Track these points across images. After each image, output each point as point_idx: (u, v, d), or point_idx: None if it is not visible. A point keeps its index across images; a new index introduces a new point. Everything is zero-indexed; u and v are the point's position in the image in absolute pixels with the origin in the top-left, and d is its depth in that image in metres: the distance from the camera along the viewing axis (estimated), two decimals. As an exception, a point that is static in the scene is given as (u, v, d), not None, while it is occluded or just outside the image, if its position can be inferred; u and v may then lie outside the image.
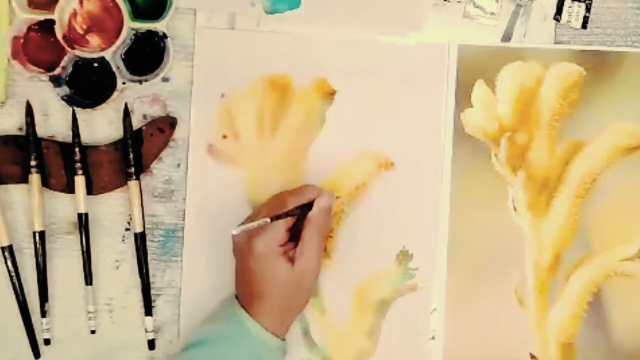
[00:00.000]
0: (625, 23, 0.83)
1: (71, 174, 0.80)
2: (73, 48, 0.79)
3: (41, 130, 0.81)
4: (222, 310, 0.77)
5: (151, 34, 0.80)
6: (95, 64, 0.80)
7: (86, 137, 0.81)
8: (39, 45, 0.80)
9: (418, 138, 0.82)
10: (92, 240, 0.81)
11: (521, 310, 0.82)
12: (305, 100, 0.82)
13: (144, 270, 0.80)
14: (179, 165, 0.82)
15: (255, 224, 0.72)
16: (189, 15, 0.82)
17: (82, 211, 0.80)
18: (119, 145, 0.81)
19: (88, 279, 0.80)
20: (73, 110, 0.80)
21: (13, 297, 0.80)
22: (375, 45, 0.82)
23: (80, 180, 0.80)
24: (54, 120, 0.81)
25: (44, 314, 0.80)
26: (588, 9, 0.82)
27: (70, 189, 0.80)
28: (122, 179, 0.81)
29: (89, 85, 0.81)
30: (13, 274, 0.79)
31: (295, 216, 0.75)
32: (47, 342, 0.81)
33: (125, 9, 0.79)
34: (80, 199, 0.80)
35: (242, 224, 0.74)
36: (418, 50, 0.82)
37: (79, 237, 0.80)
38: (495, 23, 0.83)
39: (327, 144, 0.82)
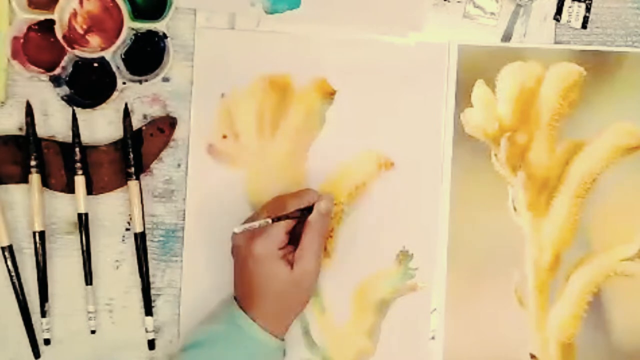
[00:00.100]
0: (625, 23, 0.83)
1: (71, 174, 0.80)
2: (73, 48, 0.79)
3: (41, 130, 0.81)
4: (220, 311, 0.77)
5: (151, 34, 0.80)
6: (95, 64, 0.80)
7: (86, 137, 0.81)
8: (39, 45, 0.80)
9: (418, 138, 0.82)
10: (92, 240, 0.81)
11: (521, 310, 0.82)
12: (305, 100, 0.82)
13: (144, 270, 0.80)
14: (179, 165, 0.82)
15: (256, 223, 0.72)
16: (189, 15, 0.82)
17: (82, 211, 0.80)
18: (119, 145, 0.81)
19: (88, 279, 0.80)
20: (73, 110, 0.80)
21: (13, 297, 0.80)
22: (375, 45, 0.82)
23: (80, 180, 0.80)
24: (54, 120, 0.81)
25: (44, 314, 0.80)
26: (588, 9, 0.82)
27: (70, 189, 0.80)
28: (122, 179, 0.81)
29: (89, 85, 0.81)
30: (13, 274, 0.79)
31: (295, 219, 0.75)
32: (47, 342, 0.81)
33: (125, 9, 0.79)
34: (80, 199, 0.80)
35: (244, 223, 0.74)
36: (418, 50, 0.82)
37: (79, 237, 0.80)
38: (495, 23, 0.83)
39: (327, 144, 0.82)
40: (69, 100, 0.80)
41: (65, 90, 0.80)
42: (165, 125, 0.81)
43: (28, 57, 0.80)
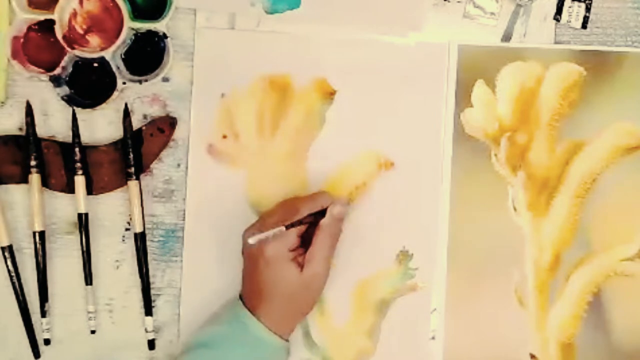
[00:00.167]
0: (625, 23, 0.83)
1: (71, 174, 0.80)
2: (73, 48, 0.79)
3: (41, 130, 0.81)
4: (225, 311, 0.77)
5: (151, 34, 0.80)
6: (95, 64, 0.80)
7: (86, 137, 0.81)
8: (39, 45, 0.80)
9: (418, 138, 0.82)
10: (92, 240, 0.81)
11: (521, 310, 0.82)
12: (305, 100, 0.82)
13: (144, 270, 0.80)
14: (179, 165, 0.82)
15: (271, 232, 0.73)
16: (189, 15, 0.82)
17: (82, 211, 0.80)
18: (119, 145, 0.81)
19: (88, 279, 0.80)
20: (73, 110, 0.80)
21: (13, 297, 0.80)
22: (375, 45, 0.82)
23: (80, 180, 0.80)
24: (54, 120, 0.81)
25: (44, 314, 0.80)
26: (588, 9, 0.82)
27: (70, 189, 0.80)
28: (122, 179, 0.81)
29: (89, 85, 0.81)
30: (13, 274, 0.79)
31: (308, 224, 0.76)
32: (47, 342, 0.81)
33: (125, 9, 0.79)
34: (80, 199, 0.80)
35: (252, 227, 0.75)
36: (418, 50, 0.82)
37: (79, 237, 0.80)
38: (495, 23, 0.83)
39: (327, 144, 0.82)
40: (69, 100, 0.80)
41: (65, 90, 0.80)
42: (165, 125, 0.81)
43: (28, 57, 0.80)
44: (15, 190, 0.81)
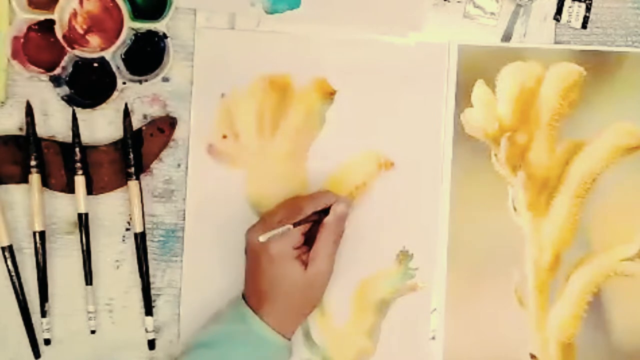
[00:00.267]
0: (625, 23, 0.83)
1: (71, 174, 0.80)
2: (73, 48, 0.79)
3: (41, 130, 0.81)
4: (228, 310, 0.77)
5: (151, 34, 0.80)
6: (95, 64, 0.80)
7: (86, 137, 0.81)
8: (39, 45, 0.80)
9: (418, 138, 0.82)
10: (92, 240, 0.81)
11: (521, 310, 0.82)
12: (305, 100, 0.82)
13: (144, 270, 0.80)
14: (179, 165, 0.82)
15: (279, 230, 0.73)
16: (189, 15, 0.82)
17: (82, 211, 0.80)
18: (119, 145, 0.81)
19: (88, 279, 0.80)
20: (73, 110, 0.80)
21: (13, 297, 0.80)
22: (375, 45, 0.82)
23: (80, 180, 0.80)
24: (54, 120, 0.81)
25: (44, 314, 0.80)
26: (588, 9, 0.82)
27: (70, 189, 0.80)
28: (122, 179, 0.81)
29: (89, 85, 0.81)
30: (13, 274, 0.79)
31: (312, 222, 0.76)
32: (47, 342, 0.81)
33: (125, 9, 0.79)
34: (80, 199, 0.80)
35: (255, 227, 0.76)
36: (418, 50, 0.82)
37: (79, 237, 0.80)
38: (495, 23, 0.83)
39: (327, 144, 0.82)
40: (69, 100, 0.80)
41: (65, 90, 0.80)
42: (165, 125, 0.81)
43: (28, 57, 0.80)
44: (15, 190, 0.81)
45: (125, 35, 0.80)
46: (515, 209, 0.82)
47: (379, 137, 0.82)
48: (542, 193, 0.82)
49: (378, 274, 0.82)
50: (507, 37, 0.83)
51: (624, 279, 0.82)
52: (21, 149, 0.80)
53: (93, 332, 0.81)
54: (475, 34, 0.83)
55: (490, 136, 0.82)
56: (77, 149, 0.79)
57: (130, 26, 0.80)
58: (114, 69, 0.80)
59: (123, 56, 0.81)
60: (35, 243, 0.79)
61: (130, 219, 0.81)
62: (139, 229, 0.80)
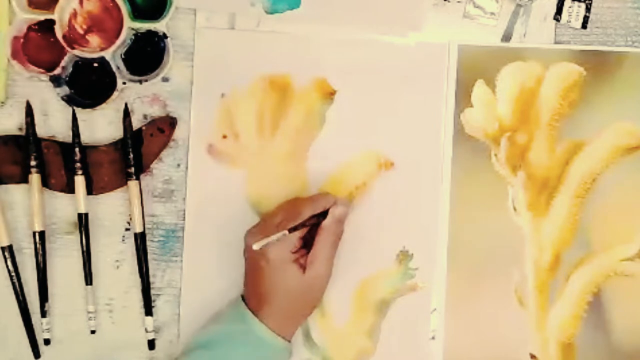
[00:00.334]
0: (625, 23, 0.83)
1: (71, 174, 0.80)
2: (73, 48, 0.79)
3: (41, 130, 0.81)
4: (228, 311, 0.77)
5: (151, 34, 0.80)
6: (95, 64, 0.80)
7: (86, 137, 0.81)
8: (39, 45, 0.80)
9: (418, 138, 0.82)
10: (92, 240, 0.81)
11: (521, 310, 0.82)
12: (305, 100, 0.82)
13: (144, 270, 0.80)
14: (179, 165, 0.82)
15: (275, 237, 0.73)
16: (189, 15, 0.82)
17: (82, 211, 0.80)
18: (119, 145, 0.81)
19: (88, 279, 0.80)
20: (73, 110, 0.80)
21: (13, 297, 0.80)
22: (375, 45, 0.82)
23: (80, 180, 0.80)
24: (54, 120, 0.81)
25: (44, 314, 0.80)
26: (588, 9, 0.82)
27: (70, 189, 0.80)
28: (122, 179, 0.81)
29: (89, 85, 0.81)
30: (13, 274, 0.79)
31: (310, 226, 0.76)
32: (47, 342, 0.81)
33: (125, 9, 0.79)
34: (80, 199, 0.80)
35: (254, 229, 0.75)
36: (418, 50, 0.82)
37: (79, 237, 0.80)
38: (495, 23, 0.83)
39: (327, 144, 0.82)
40: (69, 100, 0.80)
41: (65, 90, 0.80)
42: (165, 125, 0.81)
43: (28, 57, 0.80)
44: (15, 190, 0.81)
45: (125, 35, 0.80)
46: (515, 209, 0.82)
47: (379, 137, 0.82)
48: (542, 193, 0.82)
49: (378, 274, 0.82)
50: (507, 37, 0.83)
51: (624, 279, 0.82)
52: (21, 149, 0.80)
53: (93, 332, 0.81)
54: (475, 34, 0.83)
55: (490, 136, 0.82)
56: (77, 149, 0.79)
57: (130, 26, 0.80)
58: (114, 69, 0.80)
59: (123, 56, 0.81)
60: (35, 243, 0.79)
61: (130, 219, 0.81)
62: (139, 229, 0.80)
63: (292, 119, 0.82)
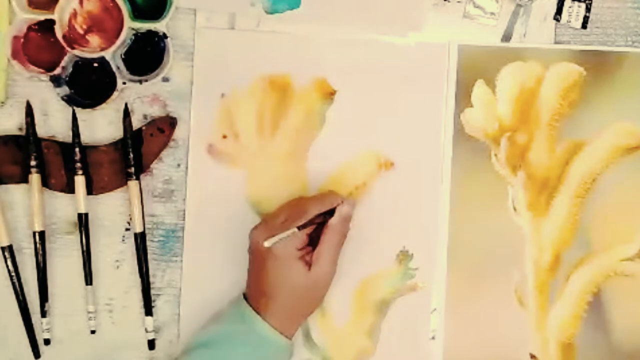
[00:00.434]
0: (625, 23, 0.83)
1: (71, 174, 0.80)
2: (73, 48, 0.79)
3: (41, 130, 0.81)
4: (229, 310, 0.77)
5: (151, 34, 0.80)
6: (95, 64, 0.80)
7: (86, 137, 0.81)
8: (39, 45, 0.80)
9: (418, 138, 0.82)
10: (92, 240, 0.81)
11: (521, 310, 0.82)
12: (305, 100, 0.82)
13: (144, 270, 0.80)
14: (179, 165, 0.82)
15: (285, 235, 0.73)
16: (189, 15, 0.82)
17: (82, 211, 0.80)
18: (119, 145, 0.81)
19: (88, 279, 0.80)
20: (73, 110, 0.80)
21: (13, 297, 0.80)
22: (375, 45, 0.82)
23: (80, 180, 0.80)
24: (54, 120, 0.81)
25: (44, 314, 0.80)
26: (588, 9, 0.82)
27: (70, 189, 0.80)
28: (122, 179, 0.81)
29: (89, 85, 0.81)
30: (13, 274, 0.79)
31: (317, 224, 0.76)
32: (47, 342, 0.81)
33: (125, 9, 0.79)
34: (80, 199, 0.80)
35: (259, 227, 0.75)
36: (418, 50, 0.82)
37: (79, 237, 0.80)
38: (495, 23, 0.83)
39: (327, 144, 0.82)
40: (69, 100, 0.80)
41: (65, 90, 0.80)
42: (165, 125, 0.81)
43: (28, 57, 0.80)
44: (15, 190, 0.81)
45: (125, 35, 0.80)
46: (515, 209, 0.82)
47: (379, 137, 0.82)
48: (542, 193, 0.82)
49: (378, 274, 0.82)
50: (507, 37, 0.83)
51: (624, 279, 0.82)
52: (21, 149, 0.80)
53: (93, 332, 0.81)
54: (475, 34, 0.83)
55: (490, 136, 0.82)
56: (77, 149, 0.79)
57: (130, 26, 0.80)
58: (114, 69, 0.80)
59: (123, 56, 0.81)
60: (35, 243, 0.79)
61: (130, 219, 0.81)
62: (139, 229, 0.80)
63: (292, 119, 0.82)
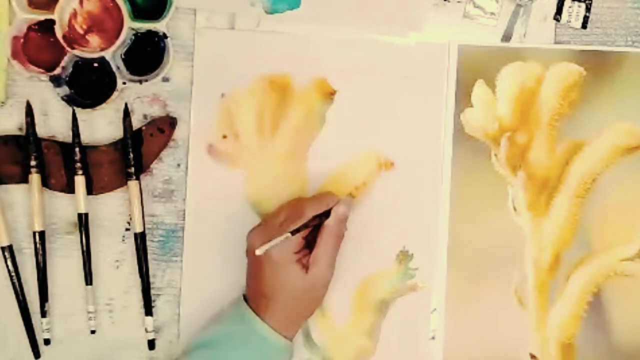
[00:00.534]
0: (625, 23, 0.83)
1: (71, 174, 0.80)
2: (73, 48, 0.79)
3: (41, 130, 0.81)
4: (230, 311, 0.77)
5: (151, 34, 0.80)
6: (95, 64, 0.80)
7: (86, 137, 0.81)
8: (39, 45, 0.80)
9: (418, 138, 0.82)
10: (92, 240, 0.81)
11: (521, 310, 0.82)
12: (305, 100, 0.82)
13: (144, 270, 0.80)
14: (179, 165, 0.82)
15: (277, 241, 0.72)
16: (189, 15, 0.82)
17: (82, 211, 0.80)
18: (119, 145, 0.81)
19: (88, 279, 0.80)
20: (73, 110, 0.80)
21: (13, 297, 0.80)
22: (375, 45, 0.82)
23: (80, 180, 0.80)
24: (54, 120, 0.81)
25: (44, 314, 0.80)
26: (588, 9, 0.82)
27: (70, 189, 0.80)
28: (122, 179, 0.81)
29: (89, 85, 0.81)
30: (13, 274, 0.79)
31: (313, 226, 0.76)
32: (47, 342, 0.81)
33: (125, 9, 0.79)
34: (80, 199, 0.80)
35: (256, 229, 0.75)
36: (418, 50, 0.82)
37: (79, 237, 0.80)
38: (495, 23, 0.83)
39: (327, 144, 0.82)
40: (69, 100, 0.80)
41: (65, 90, 0.80)
42: (165, 125, 0.81)
43: (28, 57, 0.80)
44: (15, 190, 0.81)
45: (125, 35, 0.80)
46: (515, 209, 0.82)
47: (379, 137, 0.82)
48: (542, 193, 0.82)
49: (378, 274, 0.82)
50: (507, 37, 0.83)
51: (624, 279, 0.82)
52: (21, 149, 0.80)
53: (93, 332, 0.81)
54: (475, 34, 0.83)
55: (490, 136, 0.82)
56: (77, 149, 0.79)
57: (130, 26, 0.80)
58: (114, 69, 0.80)
59: (123, 56, 0.81)
60: (35, 243, 0.79)
61: (130, 219, 0.81)
62: (139, 229, 0.80)
63: (292, 119, 0.82)
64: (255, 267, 0.76)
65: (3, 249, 0.79)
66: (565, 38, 0.83)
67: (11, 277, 0.79)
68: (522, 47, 0.82)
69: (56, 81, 0.80)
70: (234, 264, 0.80)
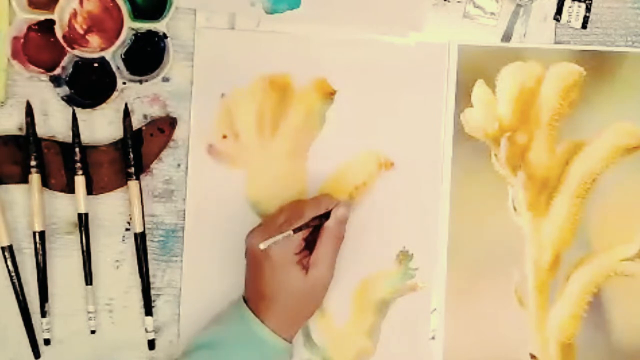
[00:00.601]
0: (625, 23, 0.83)
1: (71, 174, 0.80)
2: (73, 48, 0.79)
3: (41, 130, 0.81)
4: (229, 312, 0.77)
5: (151, 34, 0.80)
6: (95, 64, 0.80)
7: (86, 137, 0.81)
8: (39, 45, 0.80)
9: (418, 138, 0.82)
10: (92, 240, 0.81)
11: (521, 310, 0.82)
12: (305, 100, 0.82)
13: (144, 270, 0.80)
14: (179, 165, 0.82)
15: (280, 237, 0.73)
16: (189, 15, 0.82)
17: (82, 211, 0.80)
18: (119, 145, 0.81)
19: (88, 279, 0.80)
20: (73, 110, 0.80)
21: (13, 297, 0.80)
22: (375, 45, 0.82)
23: (80, 180, 0.80)
24: (54, 120, 0.81)
25: (44, 314, 0.80)
26: (588, 9, 0.82)
27: (70, 189, 0.80)
28: (122, 179, 0.81)
29: (89, 85, 0.81)
30: (13, 274, 0.79)
31: (313, 227, 0.76)
32: (47, 342, 0.81)
33: (125, 9, 0.79)
34: (80, 199, 0.80)
35: (256, 231, 0.76)
36: (418, 50, 0.82)
37: (79, 237, 0.80)
38: (495, 23, 0.83)
39: (327, 144, 0.82)
40: (69, 100, 0.80)
41: (65, 90, 0.80)
42: (165, 125, 0.81)
43: (28, 57, 0.80)
44: (15, 190, 0.81)
45: (125, 35, 0.80)
46: (515, 209, 0.82)
47: (379, 137, 0.82)
48: (542, 193, 0.82)
49: (378, 274, 0.82)
50: (507, 37, 0.83)
51: (624, 279, 0.82)
52: (21, 149, 0.80)
53: (93, 332, 0.81)
54: (475, 34, 0.83)
55: (490, 136, 0.82)
56: (77, 149, 0.79)
57: (130, 26, 0.80)
58: (114, 69, 0.80)
59: (123, 56, 0.81)
60: (35, 243, 0.79)
61: (130, 219, 0.81)
62: (139, 229, 0.80)
63: (292, 119, 0.82)
64: (255, 268, 0.76)
65: (3, 249, 0.79)
66: (565, 38, 0.83)
67: (11, 277, 0.79)
68: (522, 47, 0.82)
69: (56, 81, 0.80)
70: (234, 264, 0.80)
